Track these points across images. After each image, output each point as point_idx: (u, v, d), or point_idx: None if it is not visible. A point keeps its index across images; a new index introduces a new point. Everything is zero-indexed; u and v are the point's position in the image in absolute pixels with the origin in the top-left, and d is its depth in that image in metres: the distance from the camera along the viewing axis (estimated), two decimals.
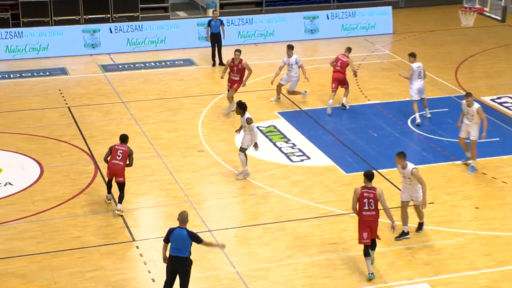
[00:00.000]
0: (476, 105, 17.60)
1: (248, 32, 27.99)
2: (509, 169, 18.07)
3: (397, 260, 14.37)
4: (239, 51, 20.70)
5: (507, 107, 21.73)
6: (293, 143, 19.49)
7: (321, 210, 16.20)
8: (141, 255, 14.53)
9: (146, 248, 14.72)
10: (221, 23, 25.09)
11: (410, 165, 14.70)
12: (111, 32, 26.88)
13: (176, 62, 25.95)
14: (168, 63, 25.88)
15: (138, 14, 28.88)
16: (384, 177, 17.47)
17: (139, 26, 27.11)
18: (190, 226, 12.58)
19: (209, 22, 25.06)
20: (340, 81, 21.35)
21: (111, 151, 15.83)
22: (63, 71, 24.96)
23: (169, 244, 12.44)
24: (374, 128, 20.37)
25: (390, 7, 29.60)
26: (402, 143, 19.43)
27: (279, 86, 21.81)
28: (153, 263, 14.22)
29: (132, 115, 21.21)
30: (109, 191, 16.21)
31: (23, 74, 24.71)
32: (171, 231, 12.42)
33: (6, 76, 24.55)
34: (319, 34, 28.69)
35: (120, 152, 15.78)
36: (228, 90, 20.99)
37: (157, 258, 14.19)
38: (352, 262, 14.25)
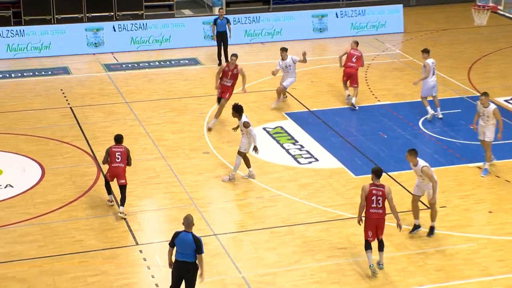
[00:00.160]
0: (493, 106, 17.52)
1: (255, 30, 27.99)
2: None
3: (408, 266, 14.32)
4: (236, 55, 20.24)
5: None
6: (301, 145, 19.46)
7: (330, 213, 16.17)
8: (144, 259, 14.53)
9: (149, 252, 14.71)
10: (228, 21, 25.09)
11: (421, 163, 14.84)
12: (114, 30, 26.92)
13: (181, 62, 25.96)
14: (173, 62, 25.89)
15: (142, 12, 28.91)
16: (395, 180, 17.42)
17: (143, 24, 27.13)
18: (195, 230, 12.56)
19: (215, 20, 25.05)
20: (351, 76, 21.41)
21: (109, 154, 15.84)
22: (65, 71, 25.00)
23: (175, 248, 12.44)
24: (384, 130, 20.33)
25: (401, 5, 29.55)
26: (413, 145, 19.34)
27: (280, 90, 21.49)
28: (157, 267, 14.21)
29: (135, 115, 21.22)
30: (109, 192, 16.23)
31: (25, 74, 24.75)
32: (176, 234, 12.42)
33: (7, 75, 24.60)
34: (327, 33, 28.66)
35: (118, 154, 15.80)
36: (218, 97, 20.19)
37: (161, 262, 14.19)
38: (362, 267, 14.21)
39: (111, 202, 16.27)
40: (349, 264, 14.33)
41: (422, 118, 20.78)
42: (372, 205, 13.78)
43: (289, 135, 20.03)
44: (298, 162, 18.51)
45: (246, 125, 17.07)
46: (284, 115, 21.24)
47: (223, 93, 20.14)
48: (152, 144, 19.40)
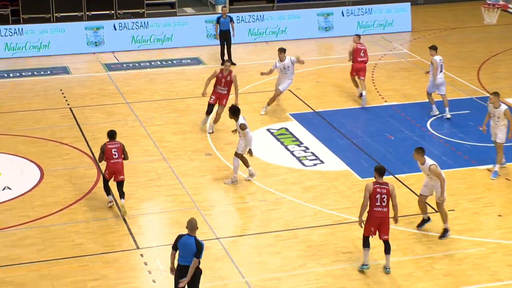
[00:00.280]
0: (504, 107, 17.51)
1: (259, 29, 28.01)
2: None
3: (415, 271, 14.32)
4: (230, 62, 19.93)
5: None
6: (305, 147, 19.47)
7: (335, 217, 16.18)
8: (145, 263, 14.55)
9: (151, 257, 14.73)
10: (231, 20, 25.11)
11: (429, 161, 14.96)
12: (115, 29, 26.96)
13: (183, 61, 25.99)
14: (174, 62, 25.92)
15: (143, 10, 28.95)
16: (402, 183, 17.42)
17: (144, 23, 27.17)
18: (197, 233, 12.57)
19: (218, 19, 25.08)
20: (360, 71, 21.56)
21: (104, 151, 15.96)
22: (64, 70, 25.04)
23: (178, 252, 12.47)
24: (391, 131, 20.33)
25: (408, 4, 29.55)
26: (421, 146, 19.34)
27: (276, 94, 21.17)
28: (158, 272, 14.22)
29: (136, 116, 21.25)
30: (108, 193, 16.28)
31: (23, 73, 24.80)
32: (179, 237, 12.47)
33: (5, 75, 24.64)
34: (333, 31, 28.67)
35: (114, 151, 15.94)
36: (211, 103, 19.71)
37: (163, 267, 14.20)
38: (368, 272, 14.21)
39: (110, 202, 16.31)
40: (355, 268, 14.33)
41: (430, 119, 20.77)
42: (376, 204, 13.91)
43: (294, 136, 20.04)
44: (303, 164, 18.52)
45: (243, 127, 17.12)
46: (288, 116, 21.25)
47: (220, 100, 19.74)
48: (153, 146, 19.42)
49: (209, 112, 20.03)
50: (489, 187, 17.41)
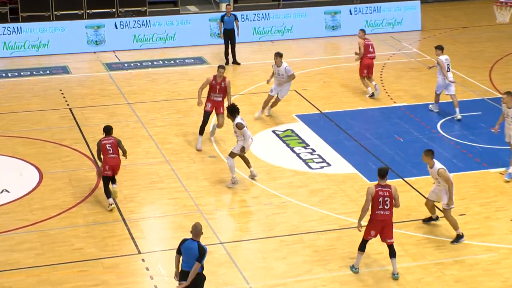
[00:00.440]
0: None
1: (264, 28, 28.03)
2: None
3: (425, 277, 14.32)
4: (223, 67, 19.18)
5: None
6: (312, 149, 19.48)
7: (342, 221, 16.18)
8: (147, 268, 14.57)
9: (152, 261, 14.75)
10: (235, 18, 25.15)
11: (438, 165, 14.97)
12: (116, 28, 27.01)
13: (186, 61, 26.02)
14: (177, 61, 25.96)
15: (145, 8, 28.99)
16: (412, 186, 17.42)
17: (146, 21, 27.22)
18: (200, 238, 12.58)
19: (222, 17, 25.11)
20: (369, 67, 21.87)
21: (100, 147, 16.22)
22: (64, 70, 25.09)
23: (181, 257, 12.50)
24: (400, 133, 20.33)
25: (418, 2, 29.55)
26: (431, 149, 19.34)
27: (268, 99, 20.93)
28: (160, 277, 14.24)
29: (138, 117, 21.28)
30: (108, 196, 16.33)
31: (22, 73, 24.86)
32: (183, 242, 12.50)
33: (4, 75, 24.70)
34: (341, 30, 28.69)
35: (109, 146, 16.20)
36: (207, 111, 19.23)
37: (165, 272, 14.22)
38: (376, 278, 14.22)
39: (111, 205, 16.36)
40: (363, 274, 14.33)
41: (441, 121, 20.77)
42: (379, 207, 13.91)
43: (300, 138, 20.05)
44: (309, 167, 18.53)
45: (240, 126, 17.14)
46: (294, 117, 21.26)
47: (217, 108, 19.28)
48: (155, 148, 19.45)
49: (205, 121, 19.26)
50: (501, 191, 17.40)
